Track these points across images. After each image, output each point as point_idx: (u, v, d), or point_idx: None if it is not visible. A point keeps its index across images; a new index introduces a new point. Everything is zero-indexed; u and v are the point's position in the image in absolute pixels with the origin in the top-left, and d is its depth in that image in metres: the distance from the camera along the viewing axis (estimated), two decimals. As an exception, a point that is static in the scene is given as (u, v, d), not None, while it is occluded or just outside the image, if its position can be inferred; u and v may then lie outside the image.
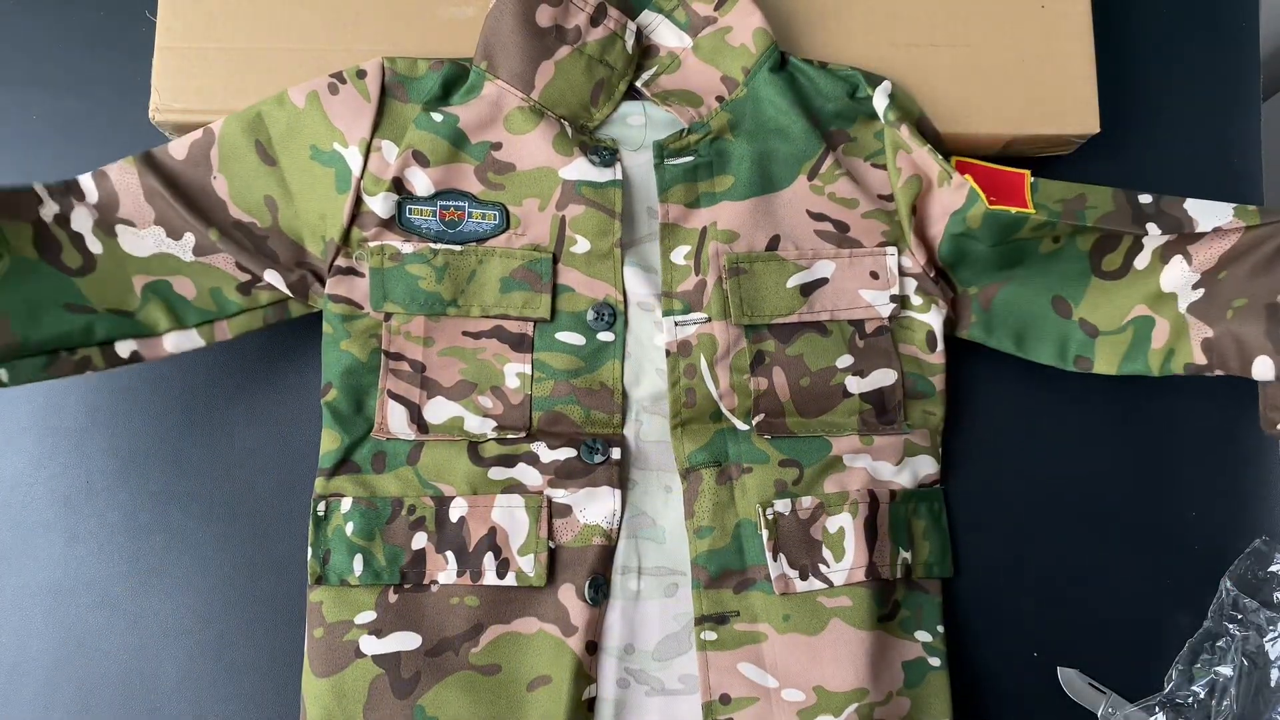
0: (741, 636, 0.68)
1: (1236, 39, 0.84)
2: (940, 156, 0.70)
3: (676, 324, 0.71)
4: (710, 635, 0.68)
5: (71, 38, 0.79)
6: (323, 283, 0.70)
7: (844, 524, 0.69)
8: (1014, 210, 0.68)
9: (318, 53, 0.72)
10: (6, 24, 0.79)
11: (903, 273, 0.73)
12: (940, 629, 0.71)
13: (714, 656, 0.68)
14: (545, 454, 0.70)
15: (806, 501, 0.69)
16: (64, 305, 0.66)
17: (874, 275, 0.72)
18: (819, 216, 0.72)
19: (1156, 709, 0.71)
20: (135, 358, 0.68)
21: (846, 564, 0.69)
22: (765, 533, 0.68)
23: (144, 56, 0.72)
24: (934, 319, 0.72)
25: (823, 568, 0.69)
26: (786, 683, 0.67)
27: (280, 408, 0.75)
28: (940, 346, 0.73)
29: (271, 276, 0.70)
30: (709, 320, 0.71)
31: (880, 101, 0.72)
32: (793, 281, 0.71)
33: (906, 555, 0.70)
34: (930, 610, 0.71)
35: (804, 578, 0.69)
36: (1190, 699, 0.71)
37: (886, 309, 0.72)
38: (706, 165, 0.72)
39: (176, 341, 0.69)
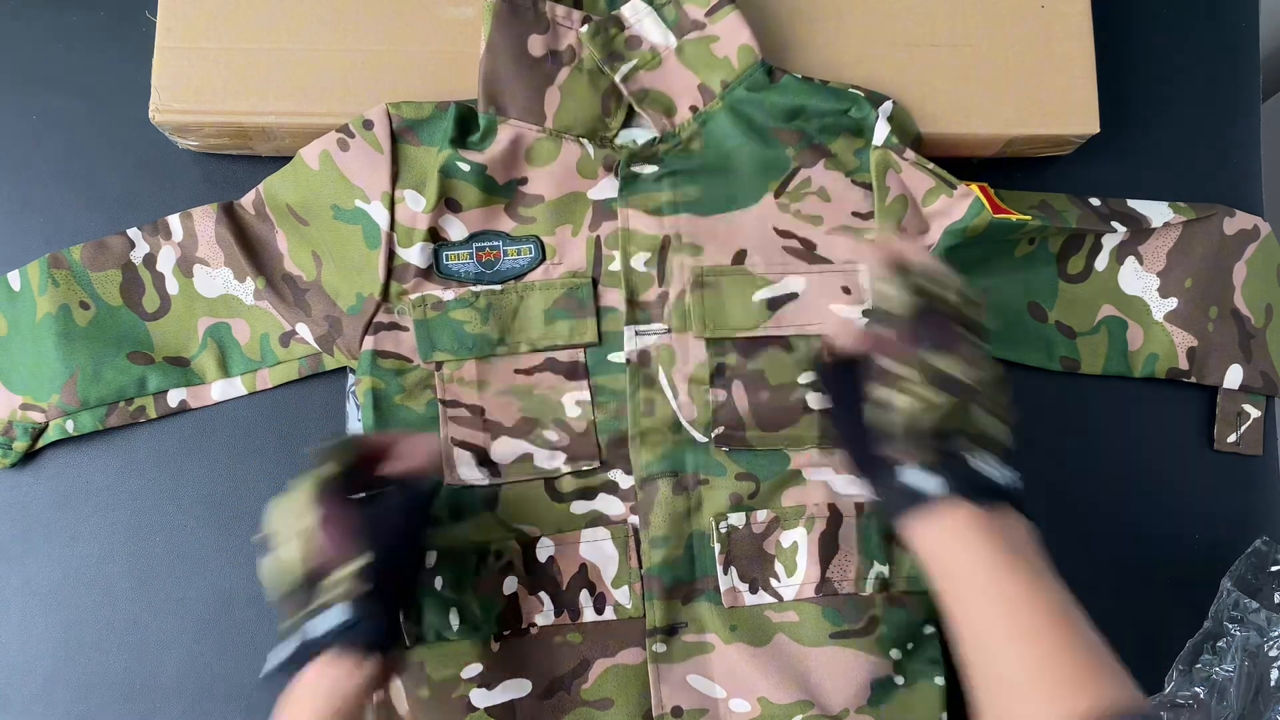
0: (690, 648, 0.68)
1: (1236, 39, 0.84)
2: (938, 169, 0.70)
3: (638, 334, 0.70)
4: (660, 648, 0.67)
5: (71, 38, 0.79)
6: (344, 338, 0.70)
7: (798, 538, 0.69)
8: (1014, 218, 0.68)
9: (318, 53, 0.72)
10: (6, 24, 0.79)
11: None
12: (910, 646, 0.69)
13: (664, 669, 0.67)
14: (624, 480, 0.69)
15: (761, 515, 0.69)
16: (128, 355, 0.72)
17: (846, 290, 0.71)
18: (785, 234, 0.72)
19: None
20: (183, 406, 0.74)
21: (797, 579, 0.68)
22: (717, 546, 0.68)
23: (144, 56, 0.72)
24: None
25: (773, 582, 0.68)
26: (734, 693, 0.67)
27: (281, 407, 0.75)
28: None
29: (301, 329, 0.71)
30: (669, 331, 0.70)
31: (881, 129, 0.71)
32: (759, 296, 0.70)
33: (883, 569, 0.68)
34: (906, 627, 0.69)
35: (754, 591, 0.68)
36: (1190, 699, 0.71)
37: (859, 324, 0.70)
38: (670, 175, 0.71)
39: (223, 390, 0.74)
